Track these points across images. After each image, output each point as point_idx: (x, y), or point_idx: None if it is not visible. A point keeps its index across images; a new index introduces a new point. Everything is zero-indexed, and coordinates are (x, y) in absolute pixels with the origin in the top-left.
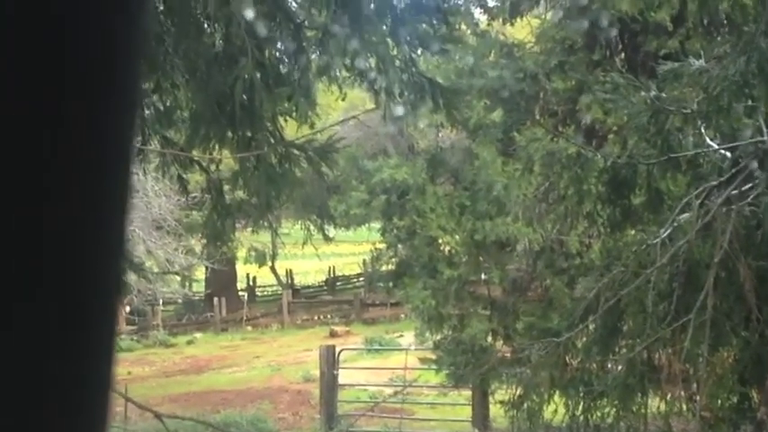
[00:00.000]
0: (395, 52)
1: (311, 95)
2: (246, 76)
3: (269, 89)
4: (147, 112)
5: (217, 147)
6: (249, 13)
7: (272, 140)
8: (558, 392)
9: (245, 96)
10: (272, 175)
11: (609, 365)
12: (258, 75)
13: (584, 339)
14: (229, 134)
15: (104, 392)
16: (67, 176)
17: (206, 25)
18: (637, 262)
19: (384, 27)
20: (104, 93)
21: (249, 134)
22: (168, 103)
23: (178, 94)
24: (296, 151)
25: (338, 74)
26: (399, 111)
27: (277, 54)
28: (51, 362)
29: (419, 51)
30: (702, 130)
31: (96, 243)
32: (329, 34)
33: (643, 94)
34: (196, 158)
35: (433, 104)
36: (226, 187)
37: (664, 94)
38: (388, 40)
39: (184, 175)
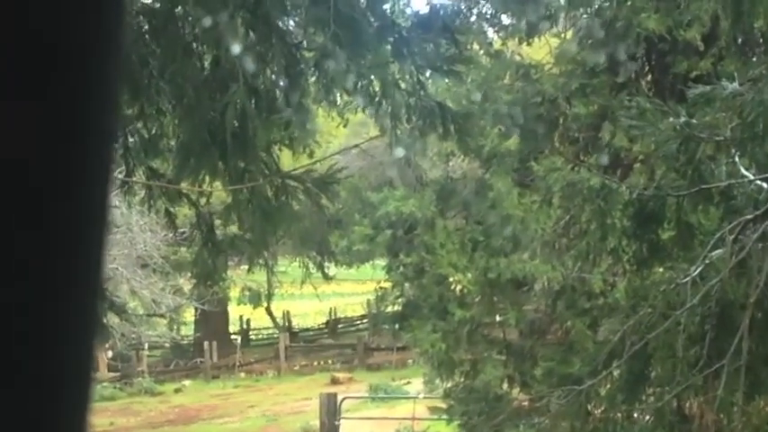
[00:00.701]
0: (400, 75)
1: (310, 122)
2: (238, 102)
3: (263, 116)
4: (131, 140)
5: (207, 179)
6: (238, 45)
7: (267, 171)
8: None
9: (236, 124)
10: (267, 208)
11: (635, 415)
12: (251, 101)
13: (609, 386)
14: (220, 165)
15: None
16: (41, 206)
17: (195, 47)
18: (665, 302)
19: (388, 47)
20: (81, 115)
21: (242, 165)
22: (153, 131)
23: (164, 122)
24: (293, 183)
25: (339, 99)
26: (406, 138)
27: (272, 78)
28: (20, 411)
29: (427, 74)
30: (737, 159)
31: (71, 275)
32: (328, 56)
33: (672, 119)
34: (185, 191)
35: (443, 130)
36: (217, 222)
37: (694, 120)
38: (392, 61)
39: (172, 209)
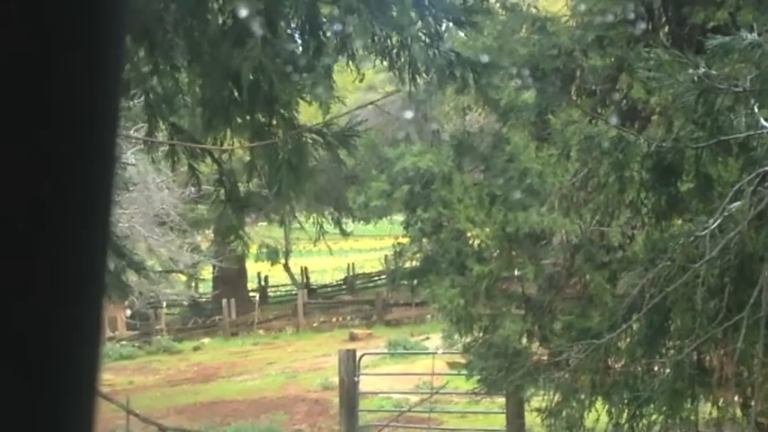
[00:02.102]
0: (419, 26)
1: (327, 77)
2: (256, 57)
3: (281, 71)
4: (149, 97)
5: (227, 135)
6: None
7: (286, 127)
8: (599, 399)
9: (254, 80)
10: (288, 164)
11: (655, 368)
12: (269, 56)
13: (628, 340)
14: (239, 121)
15: (89, 398)
16: (44, 166)
17: (210, 2)
18: (684, 255)
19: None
20: (86, 80)
21: (261, 120)
22: (168, 87)
23: (180, 78)
24: (315, 136)
25: (356, 52)
26: (422, 91)
27: (290, 32)
28: (29, 365)
29: (444, 26)
30: (756, 110)
31: (78, 237)
32: (346, 8)
33: (691, 71)
34: (208, 148)
35: (462, 82)
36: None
37: (714, 71)
38: (412, 13)
39: (196, 166)
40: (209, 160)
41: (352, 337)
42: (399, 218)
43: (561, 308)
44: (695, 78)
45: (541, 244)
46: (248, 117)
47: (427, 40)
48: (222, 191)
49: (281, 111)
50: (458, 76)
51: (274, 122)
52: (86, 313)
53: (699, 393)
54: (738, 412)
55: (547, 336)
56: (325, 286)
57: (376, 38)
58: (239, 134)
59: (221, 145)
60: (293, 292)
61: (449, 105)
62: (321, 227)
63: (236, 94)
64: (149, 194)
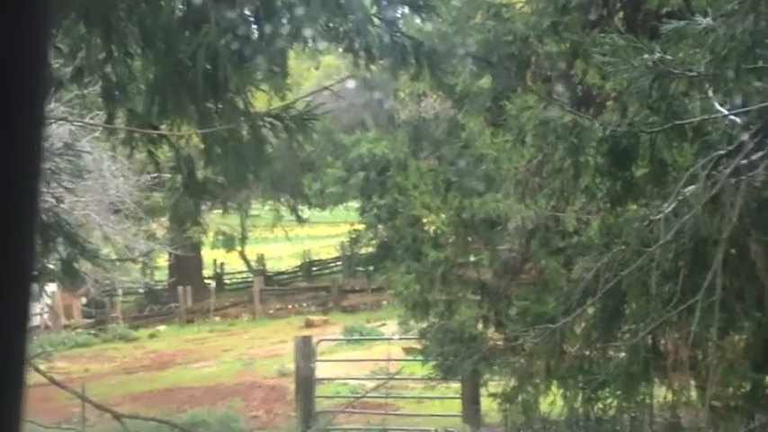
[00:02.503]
0: (374, 11)
1: (282, 63)
2: (210, 44)
3: (235, 57)
4: (107, 83)
5: (181, 122)
6: None
7: (240, 113)
8: (555, 383)
9: (208, 66)
10: (241, 150)
11: (610, 352)
12: (223, 42)
13: (583, 325)
14: (193, 108)
15: (17, 383)
16: None
17: None
18: (639, 239)
19: None
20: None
21: (215, 107)
22: (122, 74)
23: (133, 65)
24: (271, 121)
25: (311, 39)
26: (378, 78)
27: (244, 18)
28: None
29: (399, 12)
30: (710, 95)
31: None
32: None
33: (646, 56)
34: (165, 134)
35: (416, 68)
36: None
37: (669, 56)
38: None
39: (155, 152)
40: (166, 147)
41: (309, 324)
42: (355, 204)
43: (517, 293)
44: (650, 63)
45: (497, 230)
46: (203, 103)
47: (382, 25)
48: (179, 177)
49: (236, 97)
50: (412, 62)
51: (228, 108)
52: (11, 295)
53: (654, 377)
54: (693, 395)
55: (502, 321)
56: (282, 273)
57: (330, 24)
58: (194, 120)
59: (178, 131)
60: (249, 279)
61: (404, 92)
62: (278, 213)
63: (189, 79)
64: (104, 182)
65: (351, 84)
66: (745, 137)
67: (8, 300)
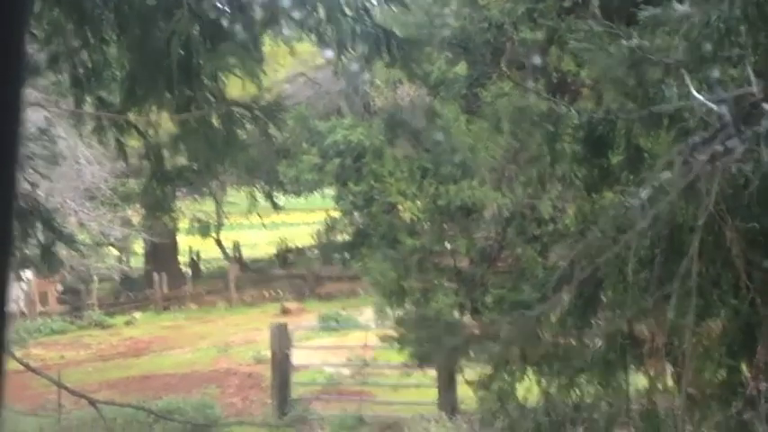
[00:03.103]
0: (345, 1)
1: (256, 50)
2: (183, 30)
3: (208, 44)
4: (78, 71)
5: (154, 109)
6: None
7: (214, 100)
8: (531, 370)
9: (182, 53)
10: (214, 137)
11: (586, 340)
12: (196, 29)
13: (559, 312)
14: (167, 95)
15: None
16: None
17: None
18: (615, 227)
19: None
20: None
21: (188, 93)
22: (97, 62)
23: (108, 51)
24: (242, 110)
25: (285, 27)
26: (353, 66)
27: (217, 5)
28: None
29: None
30: (687, 81)
31: None
32: None
33: (624, 42)
34: (133, 122)
35: (389, 58)
36: (165, 153)
37: (646, 43)
38: None
39: (122, 140)
40: (135, 134)
41: (284, 311)
42: (331, 192)
43: (493, 281)
44: (627, 50)
45: (473, 217)
46: (176, 90)
47: (354, 14)
48: (148, 165)
49: (209, 84)
50: (385, 51)
51: (202, 95)
52: None
53: (630, 364)
54: (670, 382)
55: (478, 308)
56: (257, 260)
57: (303, 11)
58: (166, 107)
59: (147, 118)
60: (225, 267)
61: (380, 79)
62: (253, 200)
63: (162, 66)
64: (79, 168)
65: (326, 70)
66: (720, 124)
67: None
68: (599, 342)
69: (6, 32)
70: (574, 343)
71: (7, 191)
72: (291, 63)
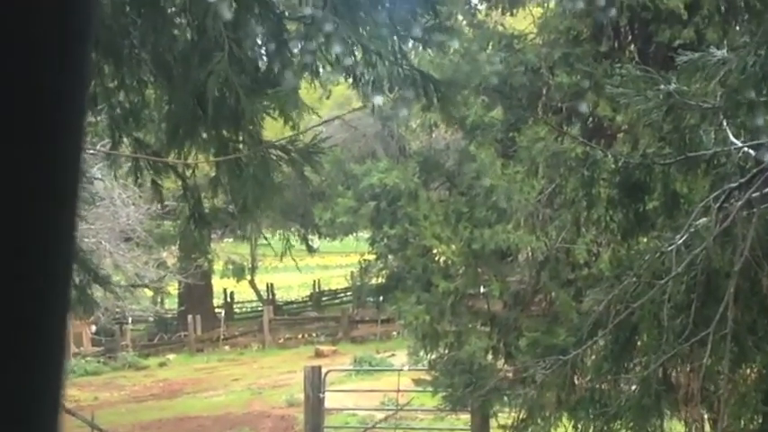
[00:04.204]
0: (382, 45)
1: (293, 93)
2: (222, 72)
3: (248, 86)
4: (117, 111)
5: (192, 150)
6: (222, 15)
7: (252, 143)
8: (565, 415)
9: (219, 94)
10: (250, 180)
11: (621, 385)
12: (235, 71)
13: (594, 357)
14: (204, 136)
15: (53, 412)
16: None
17: (177, 17)
18: (650, 272)
19: (371, 17)
20: (52, 90)
21: (226, 136)
22: (135, 102)
23: (146, 92)
24: (278, 153)
25: (322, 69)
26: (388, 108)
27: (256, 48)
28: None
29: (410, 44)
30: (725, 126)
31: (44, 249)
32: (312, 25)
33: (662, 87)
34: (171, 163)
35: (426, 101)
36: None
37: (685, 88)
38: (376, 30)
39: (159, 182)
40: (172, 176)
41: (318, 354)
42: (365, 234)
43: (527, 325)
44: (664, 95)
45: (507, 261)
46: (213, 132)
47: (392, 57)
48: (186, 207)
49: (247, 126)
50: (422, 94)
51: (239, 138)
52: (50, 329)
53: (665, 410)
54: (706, 428)
55: (512, 352)
56: (291, 303)
57: (340, 55)
58: (204, 149)
59: (185, 160)
60: (259, 309)
61: (415, 122)
62: (288, 242)
63: (200, 108)
64: (115, 210)
65: (361, 113)
66: (756, 169)
67: (48, 325)
68: (634, 387)
69: (70, 85)
70: (609, 388)
71: (69, 243)
72: (327, 105)
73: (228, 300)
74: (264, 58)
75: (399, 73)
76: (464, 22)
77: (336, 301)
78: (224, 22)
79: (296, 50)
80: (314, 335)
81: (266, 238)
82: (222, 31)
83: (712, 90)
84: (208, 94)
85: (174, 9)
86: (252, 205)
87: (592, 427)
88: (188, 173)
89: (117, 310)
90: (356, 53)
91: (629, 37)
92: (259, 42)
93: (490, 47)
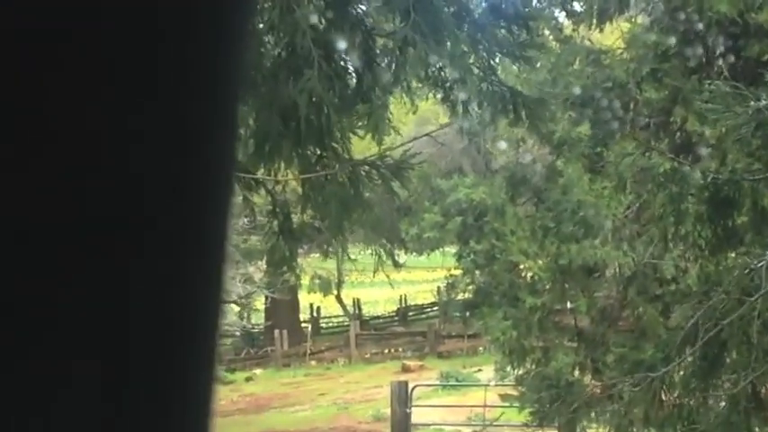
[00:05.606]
0: (472, 60)
1: (383, 109)
2: (312, 89)
3: (338, 104)
4: None
5: (282, 166)
6: (314, 20)
7: (341, 159)
8: (653, 431)
9: (308, 111)
10: (341, 196)
11: (710, 401)
12: (325, 88)
13: (682, 373)
14: (294, 153)
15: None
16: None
17: (268, 35)
18: (739, 288)
19: (462, 33)
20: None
21: (316, 152)
22: None
23: None
24: (367, 169)
25: (410, 85)
26: (476, 124)
27: (347, 65)
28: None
29: (498, 59)
30: None
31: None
32: (402, 42)
33: (752, 103)
34: (261, 179)
35: (514, 116)
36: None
37: None
38: (465, 47)
39: (249, 197)
40: (262, 191)
41: (404, 369)
42: (452, 249)
43: (614, 340)
44: (753, 110)
45: (594, 276)
46: (302, 149)
47: (480, 73)
48: (275, 222)
49: (335, 143)
50: (510, 110)
51: (328, 154)
52: (204, 331)
53: (755, 426)
54: None
55: (599, 368)
56: (378, 317)
57: (430, 71)
58: (292, 166)
59: (275, 176)
60: (345, 324)
61: (502, 137)
62: (380, 258)
63: (290, 125)
64: None
65: (448, 128)
66: None
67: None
68: (723, 404)
69: (221, 140)
70: (697, 405)
71: (223, 246)
72: (411, 120)
73: (315, 314)
74: (353, 74)
75: (488, 89)
76: (551, 38)
77: (423, 316)
78: (313, 38)
79: (383, 64)
80: (400, 350)
81: (348, 256)
82: (312, 48)
83: None
84: (300, 111)
85: (262, 26)
86: (339, 222)
87: None
88: (277, 189)
89: None
90: (446, 70)
91: (717, 52)
92: (347, 59)
93: (577, 62)
